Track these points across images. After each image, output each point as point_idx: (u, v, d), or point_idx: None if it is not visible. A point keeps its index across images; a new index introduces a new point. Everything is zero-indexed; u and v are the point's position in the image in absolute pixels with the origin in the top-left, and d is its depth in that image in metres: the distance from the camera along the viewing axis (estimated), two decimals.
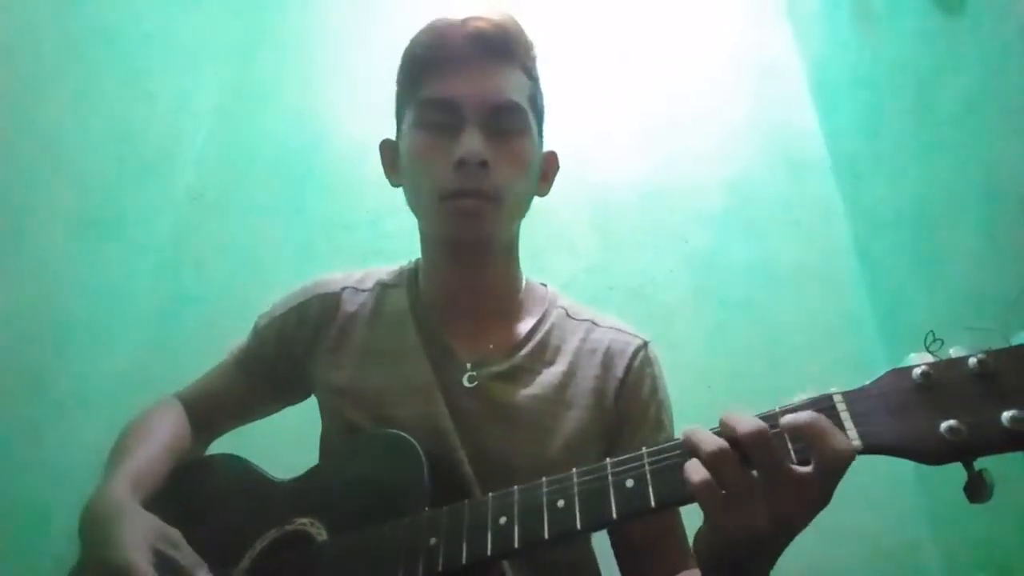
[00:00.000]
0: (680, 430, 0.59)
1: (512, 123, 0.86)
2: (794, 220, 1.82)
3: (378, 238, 1.85)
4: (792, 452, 0.54)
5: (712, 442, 0.54)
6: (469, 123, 0.83)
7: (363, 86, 2.02)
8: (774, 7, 2.10)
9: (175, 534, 0.75)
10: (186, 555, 0.74)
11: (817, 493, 0.52)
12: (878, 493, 1.45)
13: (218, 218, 1.93)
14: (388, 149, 0.96)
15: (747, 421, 0.54)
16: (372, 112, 1.95)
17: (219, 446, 1.03)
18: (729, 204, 1.86)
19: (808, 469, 0.52)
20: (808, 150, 1.90)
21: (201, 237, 1.90)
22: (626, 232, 1.86)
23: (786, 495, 0.52)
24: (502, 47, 0.87)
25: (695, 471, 0.54)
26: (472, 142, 0.81)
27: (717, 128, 1.95)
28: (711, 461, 0.54)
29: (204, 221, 1.92)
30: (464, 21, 0.85)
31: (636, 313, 1.64)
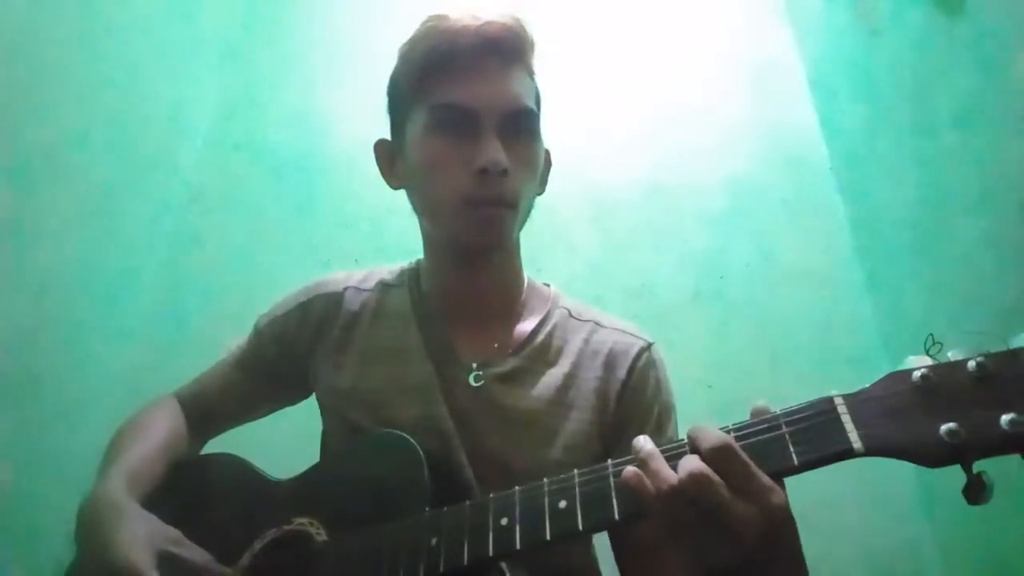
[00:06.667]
0: (685, 430, 0.58)
1: (526, 128, 0.86)
2: (794, 220, 1.82)
3: (378, 238, 1.85)
4: (794, 455, 0.54)
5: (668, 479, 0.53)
6: (486, 129, 0.82)
7: (363, 86, 2.02)
8: (774, 6, 2.09)
9: (176, 533, 0.75)
10: (193, 551, 0.74)
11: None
12: (878, 493, 1.46)
13: (218, 217, 1.93)
14: (385, 150, 0.95)
15: (712, 434, 0.54)
16: (372, 112, 1.96)
17: (217, 446, 1.03)
18: (729, 204, 1.86)
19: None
20: (808, 149, 1.90)
21: (201, 237, 1.90)
22: (626, 232, 1.86)
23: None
24: (514, 50, 0.86)
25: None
26: (493, 150, 0.80)
27: (717, 127, 1.95)
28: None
29: (204, 220, 1.92)
30: (474, 23, 0.83)
31: (636, 313, 1.64)
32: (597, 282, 1.76)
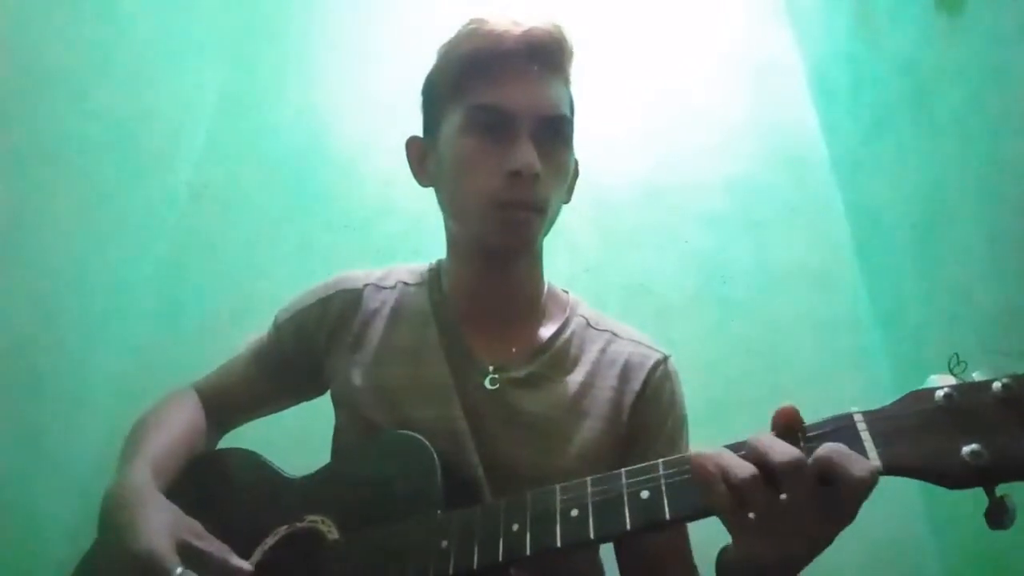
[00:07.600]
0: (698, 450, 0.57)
1: (560, 136, 0.87)
2: (794, 220, 1.82)
3: (377, 238, 1.84)
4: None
5: (744, 468, 0.53)
6: (521, 133, 0.82)
7: (363, 85, 2.01)
8: (774, 6, 2.09)
9: (196, 524, 0.75)
10: (212, 544, 0.74)
11: (844, 514, 0.52)
12: (878, 493, 1.45)
13: (218, 217, 1.92)
14: (416, 147, 0.95)
15: (783, 449, 0.53)
16: (372, 111, 1.96)
17: (225, 441, 1.03)
18: (729, 204, 1.86)
19: (834, 491, 0.52)
20: (808, 149, 1.90)
21: (201, 236, 1.89)
22: (626, 232, 1.86)
23: (814, 518, 0.52)
24: (555, 58, 0.87)
25: (722, 496, 0.53)
26: (527, 154, 0.81)
27: (717, 127, 1.95)
28: (743, 487, 0.53)
29: (204, 220, 1.92)
30: (517, 28, 0.84)
31: (636, 313, 1.64)
32: (597, 282, 1.76)
